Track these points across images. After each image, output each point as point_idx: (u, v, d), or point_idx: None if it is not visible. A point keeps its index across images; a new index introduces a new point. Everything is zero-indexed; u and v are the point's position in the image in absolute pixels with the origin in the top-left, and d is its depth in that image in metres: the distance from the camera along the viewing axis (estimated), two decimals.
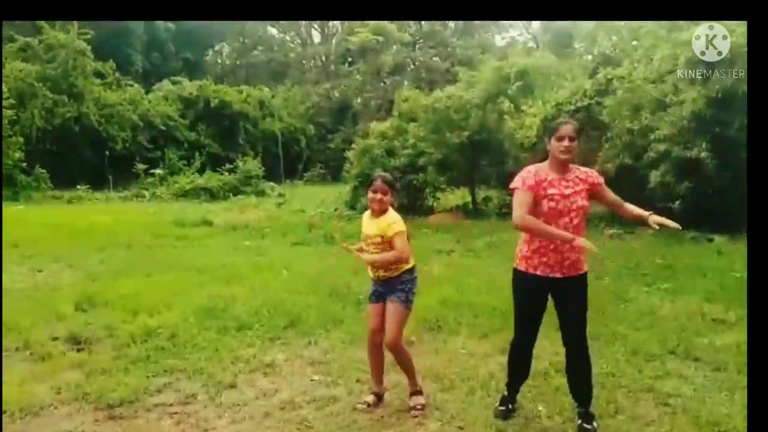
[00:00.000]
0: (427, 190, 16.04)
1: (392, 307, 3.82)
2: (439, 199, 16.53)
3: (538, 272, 3.55)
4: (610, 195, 3.69)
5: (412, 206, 15.12)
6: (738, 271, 7.57)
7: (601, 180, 3.67)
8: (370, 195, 3.85)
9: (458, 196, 16.81)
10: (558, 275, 3.53)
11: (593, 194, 3.63)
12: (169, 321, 5.65)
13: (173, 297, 6.64)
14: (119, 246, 10.80)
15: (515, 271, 3.68)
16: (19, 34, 27.79)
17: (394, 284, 3.84)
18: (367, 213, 3.99)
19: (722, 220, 10.33)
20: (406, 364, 3.91)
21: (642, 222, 3.60)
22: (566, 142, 3.47)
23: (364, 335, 5.33)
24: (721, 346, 4.97)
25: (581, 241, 3.36)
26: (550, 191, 3.47)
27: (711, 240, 10.18)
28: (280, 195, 23.32)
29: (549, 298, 3.68)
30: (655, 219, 3.49)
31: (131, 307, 6.21)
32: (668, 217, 3.55)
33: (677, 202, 10.61)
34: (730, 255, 8.89)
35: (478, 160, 15.41)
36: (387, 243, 3.80)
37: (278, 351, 5.04)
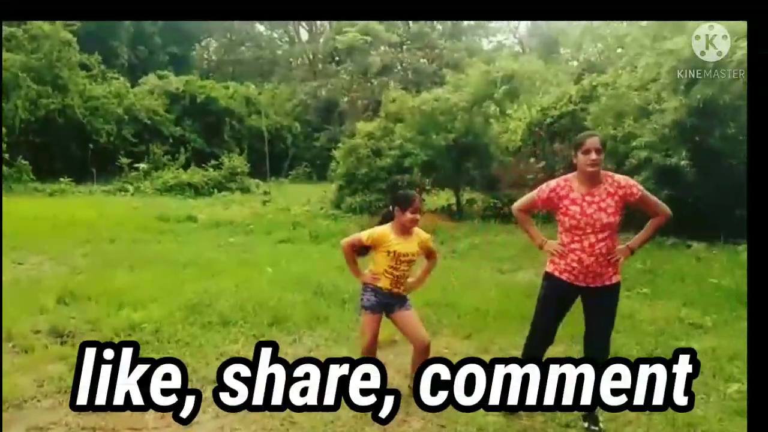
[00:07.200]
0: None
1: (411, 314, 3.97)
2: (424, 200, 16.60)
3: (563, 277, 3.63)
4: (651, 206, 3.59)
5: None
6: (715, 278, 7.72)
7: (636, 189, 3.54)
8: (410, 216, 3.81)
9: (443, 197, 16.89)
10: (582, 284, 3.62)
11: (630, 205, 3.56)
12: (153, 316, 5.63)
13: (157, 292, 6.61)
14: (102, 240, 10.73)
15: (545, 273, 3.74)
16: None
17: (404, 297, 3.98)
18: (389, 232, 3.90)
19: (701, 227, 10.50)
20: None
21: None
22: (593, 155, 3.44)
23: (349, 334, 5.43)
24: (697, 350, 5.05)
25: (550, 245, 3.64)
26: (572, 209, 3.52)
27: (689, 246, 10.35)
28: (266, 192, 23.24)
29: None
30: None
31: (115, 302, 6.19)
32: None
33: None
34: (708, 261, 9.06)
35: (463, 162, 15.49)
36: (416, 258, 3.95)
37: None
